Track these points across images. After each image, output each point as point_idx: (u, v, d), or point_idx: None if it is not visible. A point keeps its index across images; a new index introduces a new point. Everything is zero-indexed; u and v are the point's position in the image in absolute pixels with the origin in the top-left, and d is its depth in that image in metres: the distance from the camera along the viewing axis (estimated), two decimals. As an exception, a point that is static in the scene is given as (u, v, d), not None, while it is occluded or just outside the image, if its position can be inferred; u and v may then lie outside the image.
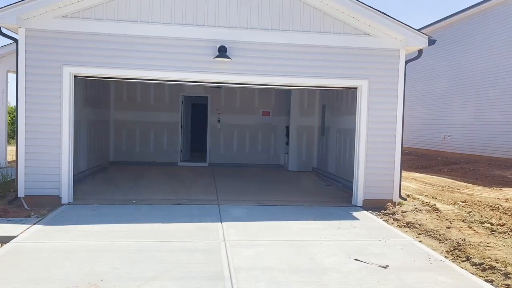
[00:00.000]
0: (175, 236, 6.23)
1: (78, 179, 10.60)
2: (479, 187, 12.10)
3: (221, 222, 7.07)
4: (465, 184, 12.72)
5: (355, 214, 8.03)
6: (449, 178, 14.21)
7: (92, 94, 12.33)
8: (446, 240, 6.49)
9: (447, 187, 12.06)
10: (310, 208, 8.39)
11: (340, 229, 6.89)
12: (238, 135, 15.35)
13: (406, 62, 8.70)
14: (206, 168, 14.43)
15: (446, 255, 5.93)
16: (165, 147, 15.09)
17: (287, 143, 15.19)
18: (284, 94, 15.34)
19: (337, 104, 12.41)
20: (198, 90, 15.04)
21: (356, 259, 5.44)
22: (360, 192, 8.68)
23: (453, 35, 20.02)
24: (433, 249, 6.12)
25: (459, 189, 11.63)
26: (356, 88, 8.80)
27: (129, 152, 14.89)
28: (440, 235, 6.72)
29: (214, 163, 15.17)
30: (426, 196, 10.53)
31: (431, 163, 18.74)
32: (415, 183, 12.62)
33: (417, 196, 10.03)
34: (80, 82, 10.95)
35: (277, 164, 15.42)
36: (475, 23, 18.59)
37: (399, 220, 7.76)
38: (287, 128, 15.20)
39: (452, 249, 6.11)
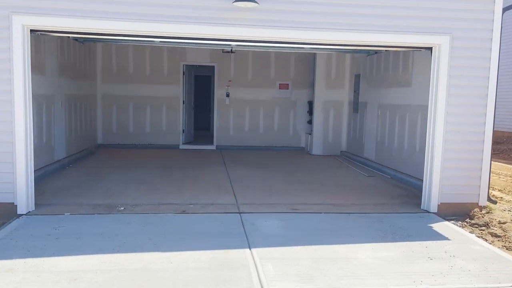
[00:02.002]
0: (181, 283, 3.86)
1: (53, 170, 8.23)
2: (556, 177, 9.74)
3: (250, 248, 4.69)
4: (535, 172, 10.36)
5: (435, 227, 5.66)
6: (505, 162, 11.85)
7: (72, 61, 9.79)
8: None
9: (516, 176, 9.71)
10: (367, 216, 6.01)
11: (433, 260, 4.51)
12: (250, 113, 12.87)
13: (504, 10, 6.17)
14: (213, 153, 12.02)
15: None
16: (164, 126, 12.62)
17: (310, 122, 12.73)
18: (306, 62, 12.77)
19: (379, 73, 9.89)
20: (203, 58, 12.47)
21: None
22: (434, 192, 6.27)
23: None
24: None
25: (534, 180, 9.28)
26: (430, 48, 6.29)
27: (121, 133, 12.44)
28: None
29: (222, 145, 12.74)
30: (500, 190, 8.21)
31: (469, 143, 16.34)
32: (472, 171, 10.23)
33: (494, 193, 7.68)
34: (52, 44, 8.42)
35: (297, 147, 12.99)
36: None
37: (500, 237, 5.41)
38: (310, 103, 12.71)
39: None
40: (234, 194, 7.05)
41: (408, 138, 8.46)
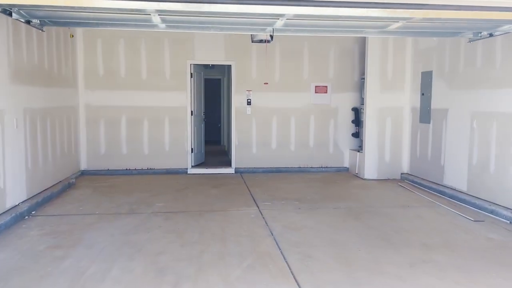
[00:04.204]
0: None
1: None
2: None
3: None
4: None
5: None
6: None
7: (36, 60, 6.89)
8: None
9: None
10: None
11: None
12: (278, 125, 9.95)
13: None
14: (233, 179, 9.08)
15: None
16: (167, 146, 9.70)
17: (356, 135, 9.84)
18: (349, 57, 9.89)
19: (471, 67, 6.97)
20: (216, 54, 9.58)
21: None
22: None
23: None
24: None
25: None
26: None
27: (111, 155, 9.51)
28: None
29: (243, 168, 9.82)
30: None
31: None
32: None
33: None
34: (3, 38, 5.52)
35: (340, 167, 10.06)
36: None
37: None
38: (356, 111, 9.82)
39: None
40: (294, 277, 4.09)
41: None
